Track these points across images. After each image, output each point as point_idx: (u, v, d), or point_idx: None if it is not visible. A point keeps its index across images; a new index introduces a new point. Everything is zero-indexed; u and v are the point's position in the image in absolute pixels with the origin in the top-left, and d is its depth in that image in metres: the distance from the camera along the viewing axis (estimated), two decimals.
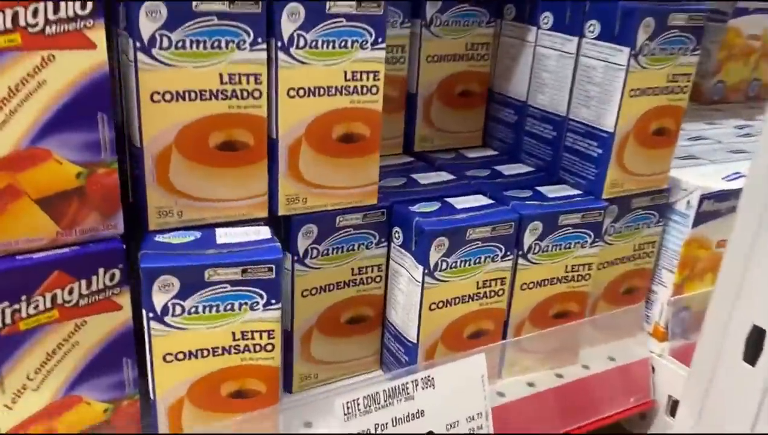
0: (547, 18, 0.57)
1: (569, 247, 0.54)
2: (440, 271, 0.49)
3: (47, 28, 0.35)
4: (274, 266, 0.42)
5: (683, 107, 0.55)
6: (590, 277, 0.56)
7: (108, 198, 0.40)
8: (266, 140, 0.45)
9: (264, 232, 0.45)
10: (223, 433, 0.44)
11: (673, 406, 0.60)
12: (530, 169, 0.61)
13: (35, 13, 0.35)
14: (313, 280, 0.50)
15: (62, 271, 0.39)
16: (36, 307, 0.39)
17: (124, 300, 0.42)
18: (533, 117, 0.61)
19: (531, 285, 0.54)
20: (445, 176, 0.58)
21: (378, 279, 0.53)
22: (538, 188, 0.56)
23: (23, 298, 0.38)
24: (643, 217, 0.59)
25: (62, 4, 0.35)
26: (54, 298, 0.39)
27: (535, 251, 0.53)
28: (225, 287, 0.42)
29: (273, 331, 0.43)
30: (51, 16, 0.35)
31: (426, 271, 0.49)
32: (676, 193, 0.60)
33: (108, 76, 0.38)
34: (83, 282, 0.40)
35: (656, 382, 0.61)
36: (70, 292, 0.40)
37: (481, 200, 0.53)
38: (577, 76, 0.55)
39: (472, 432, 0.51)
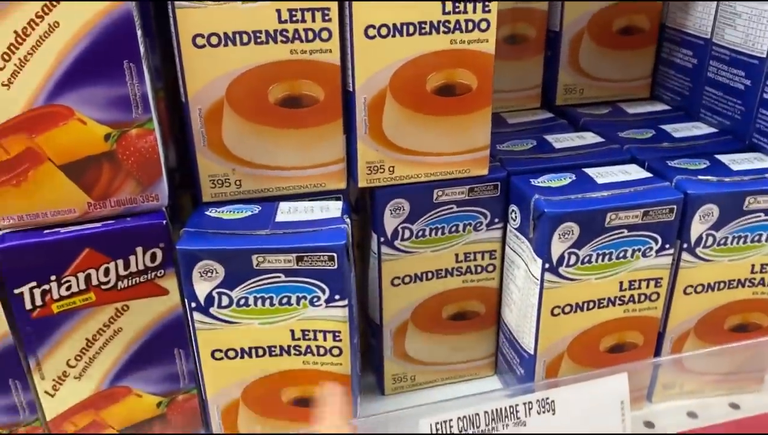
0: None
1: (758, 241, 0.40)
2: (567, 266, 0.38)
3: None
4: (335, 255, 0.33)
5: None
6: None
7: (145, 164, 0.34)
8: (340, 93, 0.36)
9: (334, 209, 0.36)
10: None
11: None
12: (712, 130, 0.46)
13: None
14: (405, 267, 0.41)
15: (93, 248, 0.34)
16: (68, 288, 0.34)
17: (171, 284, 0.36)
18: (719, 59, 0.45)
19: (699, 288, 0.41)
20: (589, 139, 0.45)
21: (490, 268, 0.43)
22: (719, 157, 0.42)
23: (53, 278, 0.34)
24: None
25: None
26: (88, 278, 0.34)
27: (707, 244, 0.39)
28: (278, 277, 0.34)
29: (339, 332, 0.35)
30: None
31: (547, 265, 0.37)
32: None
33: (131, 15, 0.31)
34: (120, 262, 0.34)
35: None
36: (106, 273, 0.34)
37: (633, 172, 0.40)
38: None
39: None
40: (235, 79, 0.34)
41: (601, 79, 0.51)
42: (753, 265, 0.40)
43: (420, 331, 0.43)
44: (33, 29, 0.30)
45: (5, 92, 0.31)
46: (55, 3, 0.30)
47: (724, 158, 0.42)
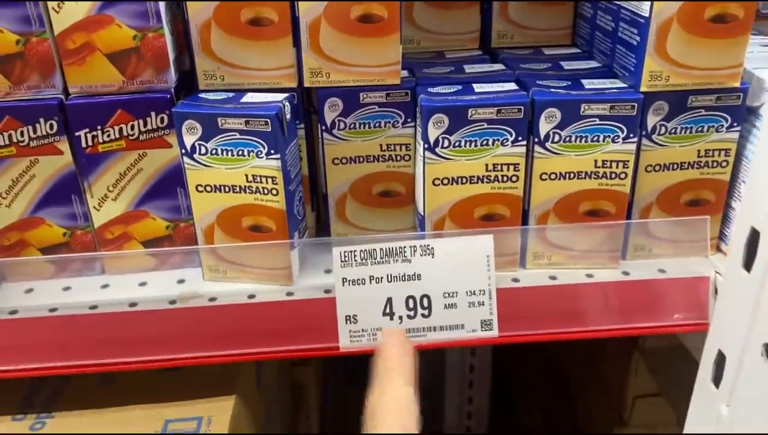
0: None
1: (597, 140, 0.53)
2: (443, 148, 0.53)
3: None
4: (269, 120, 0.50)
5: None
6: (627, 176, 0.54)
7: (158, 57, 0.52)
8: (290, 18, 0.53)
9: (279, 97, 0.53)
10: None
11: None
12: (596, 66, 0.59)
13: None
14: (342, 150, 0.57)
15: (124, 110, 0.53)
16: (108, 135, 0.53)
17: (174, 141, 0.54)
18: (602, 9, 0.58)
19: (552, 176, 0.54)
20: (496, 67, 0.59)
21: (407, 157, 0.58)
22: (583, 81, 0.55)
23: (98, 127, 0.53)
24: (708, 118, 0.53)
25: None
26: (120, 130, 0.53)
27: (555, 140, 0.53)
28: (234, 135, 0.51)
29: (275, 178, 0.52)
30: None
31: (426, 146, 0.53)
32: (759, 97, 0.52)
33: None
34: (140, 121, 0.53)
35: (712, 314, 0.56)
36: (132, 128, 0.53)
37: (506, 87, 0.54)
38: None
39: (471, 304, 0.55)
40: (216, 6, 0.52)
41: (529, 28, 0.65)
42: (596, 161, 0.53)
43: (358, 203, 0.59)
44: None
45: (72, 5, 0.50)
46: None
47: (585, 81, 0.55)
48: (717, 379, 0.47)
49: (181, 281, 0.57)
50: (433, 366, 1.35)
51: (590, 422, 1.25)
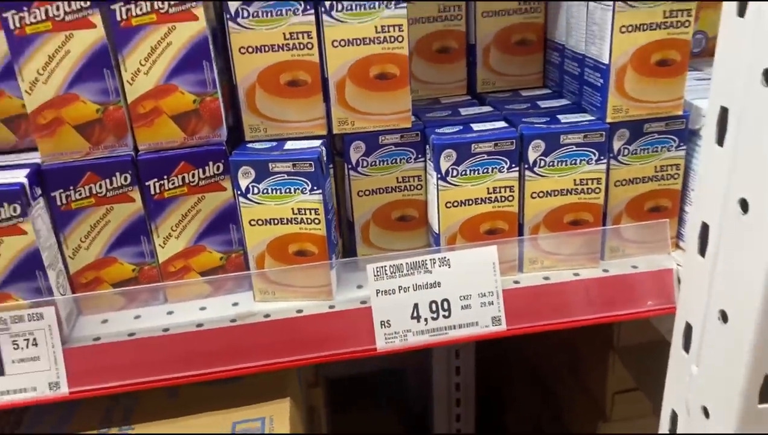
0: None
1: (575, 163, 0.65)
2: (452, 177, 0.64)
3: (170, 10, 0.59)
4: (312, 162, 0.61)
5: (687, 39, 0.62)
6: (601, 191, 0.66)
7: (214, 116, 0.63)
8: (320, 79, 0.64)
9: (316, 144, 0.64)
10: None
11: None
12: (566, 103, 0.72)
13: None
14: (365, 184, 0.69)
15: (187, 162, 0.63)
16: (173, 183, 0.64)
17: (227, 184, 0.65)
18: (568, 57, 0.71)
19: (541, 194, 0.66)
20: (485, 109, 0.72)
21: (419, 187, 0.70)
22: (559, 116, 0.68)
23: (165, 177, 0.63)
24: (660, 141, 0.66)
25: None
26: (183, 178, 0.64)
27: (541, 165, 0.65)
28: (283, 176, 0.62)
29: (318, 209, 0.63)
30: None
31: (439, 176, 0.64)
32: (698, 121, 0.66)
33: (207, 40, 0.60)
34: (200, 170, 0.64)
35: (678, 296, 0.68)
36: (192, 176, 0.64)
37: (497, 125, 0.67)
38: (588, 18, 0.65)
39: (482, 304, 0.66)
40: (261, 71, 0.63)
41: (507, 75, 0.78)
42: (575, 180, 0.66)
43: (379, 228, 0.71)
44: (159, 44, 0.60)
45: (144, 77, 0.61)
46: (172, 28, 0.60)
47: (561, 116, 0.68)
48: (687, 346, 0.59)
49: (235, 304, 0.67)
50: (419, 390, 1.45)
51: (576, 422, 1.36)
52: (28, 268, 0.59)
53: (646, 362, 1.13)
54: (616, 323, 1.15)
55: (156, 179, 0.63)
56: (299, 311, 0.65)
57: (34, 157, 0.63)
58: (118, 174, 0.62)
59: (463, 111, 0.72)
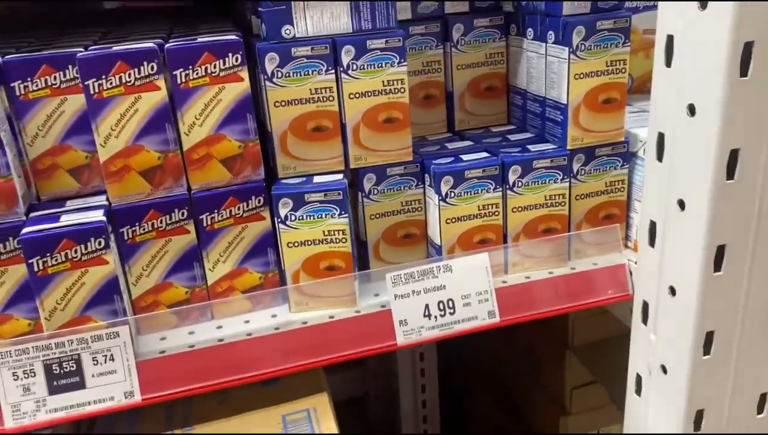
0: (530, 32, 0.85)
1: (545, 183, 0.82)
2: (450, 198, 0.80)
3: (221, 73, 0.72)
4: (341, 191, 0.75)
5: (624, 82, 0.80)
6: (566, 204, 0.83)
7: (254, 159, 0.76)
8: (339, 124, 0.79)
9: (339, 177, 0.78)
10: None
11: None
12: (531, 135, 0.89)
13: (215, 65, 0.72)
14: (376, 209, 0.83)
15: (234, 197, 0.76)
16: (221, 216, 0.76)
17: (267, 214, 0.77)
18: (530, 99, 0.89)
19: (520, 208, 0.82)
20: (467, 144, 0.88)
21: (420, 209, 0.84)
22: (528, 146, 0.84)
23: (215, 211, 0.75)
24: (608, 162, 0.84)
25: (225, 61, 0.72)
26: (230, 211, 0.76)
27: (519, 185, 0.81)
28: (315, 204, 0.76)
29: (344, 230, 0.77)
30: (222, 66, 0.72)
31: (439, 198, 0.79)
32: (636, 144, 0.84)
33: (250, 96, 0.74)
34: (244, 204, 0.76)
35: (634, 282, 0.85)
36: (238, 209, 0.76)
37: (481, 155, 0.83)
38: (547, 69, 0.83)
39: (479, 301, 0.80)
40: (292, 120, 0.77)
41: (479, 114, 0.94)
42: (545, 196, 0.82)
43: (388, 245, 0.85)
44: (211, 102, 0.73)
45: (198, 128, 0.73)
46: (222, 88, 0.73)
47: (530, 146, 0.84)
48: (645, 320, 0.76)
49: (273, 316, 0.79)
50: (388, 404, 1.57)
51: (538, 418, 1.50)
52: (109, 292, 0.70)
53: (602, 356, 1.30)
54: (570, 325, 1.32)
55: (208, 213, 0.75)
56: (331, 317, 0.78)
57: (100, 200, 0.74)
58: (176, 210, 0.74)
59: (450, 145, 0.88)
